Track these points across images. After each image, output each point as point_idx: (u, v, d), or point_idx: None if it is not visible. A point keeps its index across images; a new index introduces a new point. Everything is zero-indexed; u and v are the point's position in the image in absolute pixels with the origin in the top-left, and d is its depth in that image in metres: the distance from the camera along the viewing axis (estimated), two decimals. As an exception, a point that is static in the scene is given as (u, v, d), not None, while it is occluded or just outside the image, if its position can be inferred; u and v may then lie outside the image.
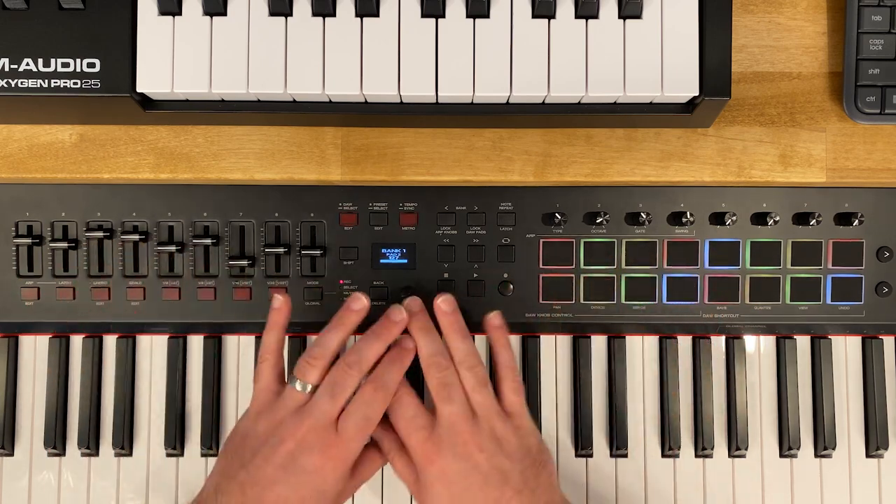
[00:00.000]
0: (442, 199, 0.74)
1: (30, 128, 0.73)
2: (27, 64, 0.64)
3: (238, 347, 0.76)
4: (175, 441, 0.74)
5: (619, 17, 0.65)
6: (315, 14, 0.64)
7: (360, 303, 0.68)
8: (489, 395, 0.67)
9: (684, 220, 0.73)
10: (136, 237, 0.73)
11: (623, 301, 0.74)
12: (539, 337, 0.76)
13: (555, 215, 0.73)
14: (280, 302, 0.69)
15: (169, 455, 0.75)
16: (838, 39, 0.74)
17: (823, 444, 0.75)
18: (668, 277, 0.74)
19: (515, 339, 0.76)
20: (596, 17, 0.65)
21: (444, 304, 0.69)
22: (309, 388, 0.66)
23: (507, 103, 0.67)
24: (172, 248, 0.73)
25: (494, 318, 0.71)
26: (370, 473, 0.69)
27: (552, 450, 0.75)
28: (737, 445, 0.75)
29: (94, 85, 0.64)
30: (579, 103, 0.67)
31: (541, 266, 0.74)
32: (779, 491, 0.76)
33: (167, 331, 0.76)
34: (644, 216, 0.73)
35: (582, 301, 0.74)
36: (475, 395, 0.67)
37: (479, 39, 0.65)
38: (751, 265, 0.74)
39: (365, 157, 0.73)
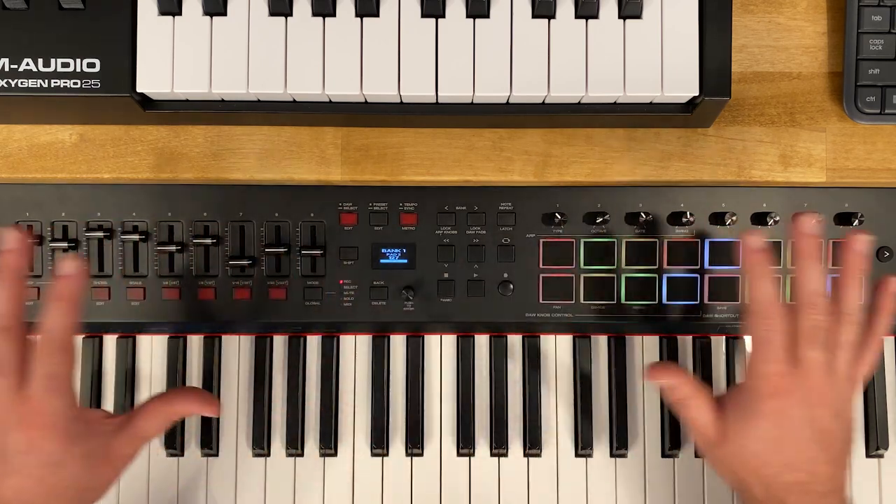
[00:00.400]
0: (442, 199, 0.74)
1: (30, 128, 0.73)
2: (27, 64, 0.64)
3: (238, 347, 0.76)
4: (175, 441, 0.75)
5: (619, 17, 0.65)
6: (315, 14, 0.64)
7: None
8: (855, 359, 0.65)
9: (684, 220, 0.73)
10: (136, 237, 0.73)
11: (623, 301, 0.74)
12: (539, 337, 0.76)
13: (555, 215, 0.73)
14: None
15: (169, 455, 0.75)
16: (838, 39, 0.74)
17: (823, 444, 0.75)
18: (668, 277, 0.74)
19: (516, 339, 0.76)
20: (596, 17, 0.65)
21: (862, 238, 0.65)
22: None
23: (507, 103, 0.67)
24: (172, 248, 0.73)
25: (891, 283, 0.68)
26: (149, 427, 0.63)
27: (552, 450, 0.75)
28: (737, 445, 0.75)
29: (94, 85, 0.64)
30: (579, 103, 0.67)
31: (541, 266, 0.74)
32: (779, 491, 0.75)
33: (167, 331, 0.76)
34: (644, 216, 0.73)
35: (582, 301, 0.74)
36: (844, 354, 0.64)
37: (479, 39, 0.65)
38: (751, 265, 0.74)
39: (365, 157, 0.73)
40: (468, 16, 0.65)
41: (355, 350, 0.76)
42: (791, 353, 0.63)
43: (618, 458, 0.75)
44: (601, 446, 0.75)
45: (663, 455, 0.76)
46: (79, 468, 0.59)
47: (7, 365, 0.58)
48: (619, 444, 0.75)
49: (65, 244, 0.72)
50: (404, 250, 0.74)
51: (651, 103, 0.67)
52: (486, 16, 0.65)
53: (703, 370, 0.76)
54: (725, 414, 0.65)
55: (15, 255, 0.59)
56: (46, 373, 0.58)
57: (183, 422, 0.75)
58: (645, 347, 0.77)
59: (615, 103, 0.67)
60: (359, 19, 0.65)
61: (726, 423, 0.64)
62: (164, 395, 0.66)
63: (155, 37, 0.64)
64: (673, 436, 0.75)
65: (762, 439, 0.62)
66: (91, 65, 0.64)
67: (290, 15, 0.65)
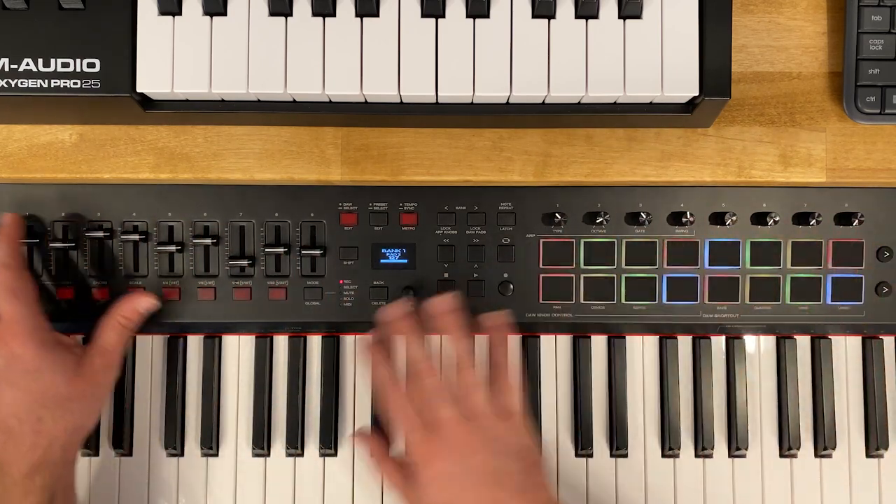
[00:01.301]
0: (442, 199, 0.74)
1: (30, 128, 0.73)
2: (27, 64, 0.64)
3: (238, 347, 0.76)
4: (175, 441, 0.75)
5: (619, 17, 0.65)
6: (315, 14, 0.64)
7: None
8: (485, 397, 0.67)
9: (684, 220, 0.73)
10: (136, 237, 0.73)
11: (623, 301, 0.74)
12: (539, 337, 0.76)
13: (555, 215, 0.73)
14: None
15: (170, 455, 0.75)
16: (838, 39, 0.74)
17: (823, 444, 0.75)
18: (668, 277, 0.74)
19: (516, 339, 0.76)
20: (596, 17, 0.65)
21: (441, 303, 0.69)
22: None
23: (507, 103, 0.67)
24: (172, 248, 0.73)
25: (494, 318, 0.71)
26: (108, 338, 0.70)
27: (552, 450, 0.75)
28: (737, 445, 0.75)
29: (94, 85, 0.64)
30: (579, 103, 0.67)
31: (541, 266, 0.74)
32: (779, 491, 0.76)
33: (167, 331, 0.76)
34: (644, 216, 0.73)
35: (582, 301, 0.74)
36: (472, 398, 0.66)
37: (479, 39, 0.65)
38: (751, 265, 0.74)
39: (365, 157, 0.73)
40: (468, 16, 0.65)
41: (355, 350, 0.76)
42: (427, 417, 0.66)
43: (618, 459, 0.75)
44: (601, 446, 0.75)
45: (663, 455, 0.76)
46: (57, 376, 0.66)
47: None
48: (620, 445, 0.75)
49: (65, 244, 0.72)
50: (404, 250, 0.74)
51: (651, 103, 0.67)
52: (486, 16, 0.65)
53: (704, 370, 0.76)
54: (406, 480, 0.67)
55: (13, 226, 0.70)
56: (3, 289, 0.66)
57: (183, 422, 0.75)
58: (645, 347, 0.77)
59: (615, 103, 0.67)
60: (359, 19, 0.65)
61: (408, 490, 0.67)
62: (110, 309, 0.72)
63: (155, 37, 0.64)
64: (673, 436, 0.75)
65: (439, 502, 0.64)
66: (91, 65, 0.64)
67: (290, 15, 0.64)
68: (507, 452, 0.65)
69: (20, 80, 0.64)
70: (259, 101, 0.67)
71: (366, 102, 0.67)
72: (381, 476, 0.70)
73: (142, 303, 0.72)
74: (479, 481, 0.64)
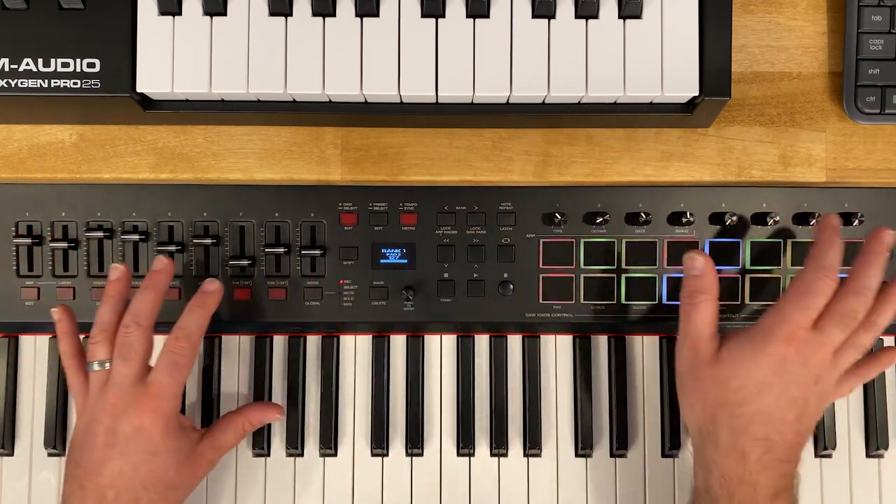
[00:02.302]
0: (442, 199, 0.74)
1: (30, 128, 0.73)
2: (27, 64, 0.64)
3: (238, 347, 0.76)
4: (175, 441, 0.75)
5: (619, 17, 0.65)
6: (315, 14, 0.64)
7: (117, 272, 0.68)
8: (856, 366, 0.66)
9: (684, 220, 0.73)
10: (136, 237, 0.72)
11: (623, 301, 0.74)
12: (539, 337, 0.76)
13: (555, 215, 0.73)
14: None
15: (169, 455, 0.75)
16: (838, 39, 0.74)
17: (823, 444, 0.75)
18: (668, 277, 0.74)
19: (516, 339, 0.76)
20: (596, 17, 0.65)
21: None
22: (106, 364, 0.66)
23: (507, 103, 0.67)
24: (172, 248, 0.73)
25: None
26: (226, 438, 0.70)
27: (552, 450, 0.75)
28: (737, 445, 0.75)
29: (94, 85, 0.64)
30: (579, 103, 0.67)
31: (541, 266, 0.74)
32: (779, 491, 0.75)
33: (167, 331, 0.76)
34: (644, 216, 0.73)
35: (582, 301, 0.74)
36: (855, 354, 0.65)
37: (479, 39, 0.65)
38: (751, 265, 0.74)
39: (365, 157, 0.73)
40: (468, 16, 0.65)
41: (355, 350, 0.76)
42: (820, 317, 0.63)
43: (618, 458, 0.75)
44: (601, 446, 0.75)
45: (663, 455, 0.76)
46: (169, 462, 0.65)
47: (135, 356, 0.65)
48: (619, 445, 0.75)
49: (65, 244, 0.72)
50: (404, 250, 0.74)
51: (651, 103, 0.67)
52: (486, 16, 0.65)
53: (703, 370, 0.76)
54: (729, 335, 0.65)
55: (163, 275, 0.68)
56: (171, 361, 0.66)
57: (183, 422, 0.75)
58: (645, 347, 0.77)
59: (615, 103, 0.67)
60: (359, 19, 0.65)
61: (725, 344, 0.65)
62: (240, 409, 0.72)
63: (155, 37, 0.64)
64: (673, 436, 0.75)
65: (753, 376, 0.62)
66: (91, 65, 0.64)
67: (290, 15, 0.65)
68: (820, 403, 0.65)
69: (20, 80, 0.64)
70: (259, 101, 0.67)
71: (366, 102, 0.67)
72: (696, 313, 0.65)
73: (273, 416, 0.73)
74: (794, 396, 0.63)
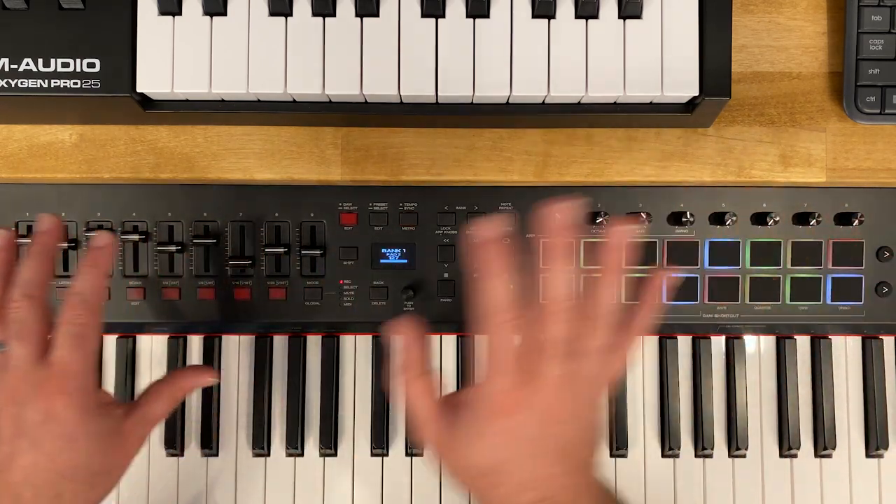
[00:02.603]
0: (442, 199, 0.74)
1: (30, 128, 0.73)
2: (27, 64, 0.64)
3: (238, 347, 0.76)
4: (175, 441, 0.75)
5: (619, 17, 0.65)
6: (315, 14, 0.64)
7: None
8: (604, 364, 0.57)
9: (684, 220, 0.73)
10: (136, 237, 0.72)
11: (623, 301, 0.74)
12: (539, 337, 0.76)
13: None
14: None
15: (169, 455, 0.75)
16: (838, 39, 0.74)
17: (823, 444, 0.75)
18: (668, 277, 0.74)
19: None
20: (596, 17, 0.65)
21: (623, 230, 0.58)
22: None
23: (507, 103, 0.67)
24: (172, 248, 0.73)
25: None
26: (157, 409, 0.62)
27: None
28: (737, 445, 0.75)
29: (94, 85, 0.64)
30: (579, 103, 0.67)
31: (541, 266, 0.74)
32: (779, 491, 0.76)
33: (167, 331, 0.76)
34: (644, 216, 0.73)
35: (582, 301, 0.74)
36: (590, 362, 0.56)
37: (479, 39, 0.65)
38: (751, 265, 0.74)
39: (365, 157, 0.73)
40: (468, 16, 0.65)
41: (355, 350, 0.76)
42: (527, 365, 0.55)
43: (618, 458, 0.75)
44: (601, 446, 0.75)
45: (663, 455, 0.76)
46: (91, 447, 0.58)
47: (29, 333, 0.57)
48: (619, 445, 0.75)
49: (65, 244, 0.72)
50: (404, 250, 0.74)
51: (651, 103, 0.67)
52: (486, 16, 0.65)
53: (703, 370, 0.76)
54: (457, 418, 0.56)
55: (48, 237, 0.62)
56: (71, 332, 0.58)
57: (183, 422, 0.75)
58: (645, 347, 0.77)
59: (615, 103, 0.67)
60: (359, 19, 0.65)
61: (455, 430, 0.56)
62: (166, 377, 0.66)
63: (155, 37, 0.64)
64: (673, 436, 0.75)
65: (490, 459, 0.54)
66: (91, 65, 0.64)
67: (290, 15, 0.64)
68: (586, 424, 0.56)
69: (20, 80, 0.64)
70: (259, 101, 0.67)
71: (366, 102, 0.67)
72: (409, 396, 0.58)
73: (206, 379, 0.67)
74: (546, 451, 0.55)
